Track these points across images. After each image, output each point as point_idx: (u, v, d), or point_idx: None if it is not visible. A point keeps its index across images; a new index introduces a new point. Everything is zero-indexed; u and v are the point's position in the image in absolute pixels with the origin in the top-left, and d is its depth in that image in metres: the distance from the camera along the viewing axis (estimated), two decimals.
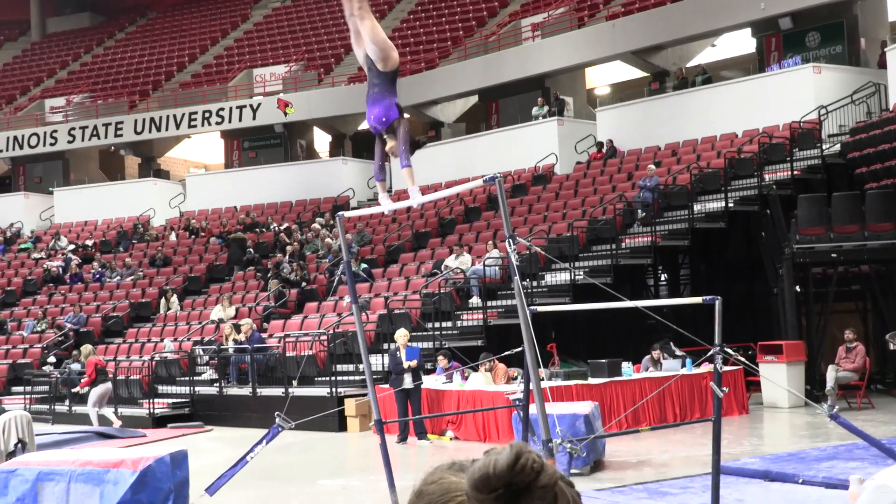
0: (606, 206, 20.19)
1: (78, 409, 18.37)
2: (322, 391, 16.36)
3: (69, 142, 32.93)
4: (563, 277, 18.05)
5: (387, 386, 13.90)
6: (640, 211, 19.84)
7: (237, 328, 18.68)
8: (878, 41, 22.44)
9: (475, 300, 18.11)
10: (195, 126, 31.62)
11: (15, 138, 33.41)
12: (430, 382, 14.57)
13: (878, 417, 13.97)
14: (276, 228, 26.51)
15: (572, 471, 9.73)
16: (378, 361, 15.79)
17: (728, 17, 23.11)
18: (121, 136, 32.40)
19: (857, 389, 15.17)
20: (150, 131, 32.10)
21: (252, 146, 32.20)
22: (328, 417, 14.15)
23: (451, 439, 14.07)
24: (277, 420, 8.41)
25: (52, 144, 33.10)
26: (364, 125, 30.23)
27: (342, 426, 15.51)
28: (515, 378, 13.79)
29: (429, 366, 15.44)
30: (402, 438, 13.74)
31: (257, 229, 27.03)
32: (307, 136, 32.72)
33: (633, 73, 28.01)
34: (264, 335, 19.32)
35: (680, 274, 21.90)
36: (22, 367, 21.77)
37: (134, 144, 33.03)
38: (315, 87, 30.89)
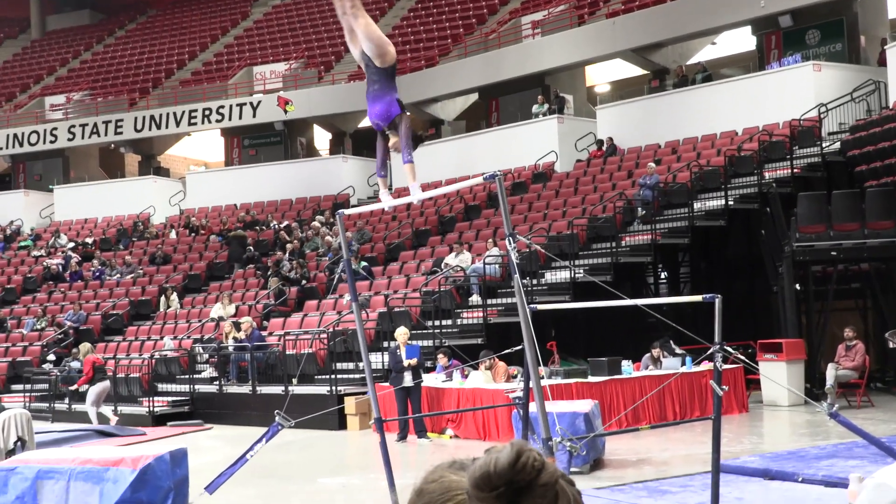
0: (606, 203, 20.18)
1: (77, 407, 18.37)
2: (322, 389, 16.36)
3: (69, 139, 32.93)
4: (563, 275, 18.05)
5: (387, 384, 13.90)
6: (640, 209, 19.84)
7: (237, 326, 18.68)
8: (878, 39, 22.43)
9: (475, 298, 18.11)
10: (195, 124, 31.61)
11: (15, 136, 33.41)
12: (430, 381, 14.57)
13: (877, 416, 13.97)
14: (276, 226, 26.51)
15: (572, 469, 9.73)
16: (378, 360, 15.79)
17: (728, 15, 23.10)
18: (121, 133, 32.39)
19: (856, 388, 15.17)
20: (150, 129, 32.09)
21: (252, 144, 32.19)
22: (328, 416, 14.15)
23: (450, 437, 14.07)
24: (277, 418, 8.40)
25: (52, 142, 33.10)
26: (364, 123, 30.33)
27: (342, 424, 15.50)
28: (515, 376, 13.79)
29: (429, 364, 15.44)
30: (402, 437, 13.74)
31: (257, 227, 27.04)
32: (307, 133, 32.71)
33: (634, 70, 28.00)
34: (264, 333, 19.33)
35: (680, 272, 21.90)
36: (22, 364, 21.78)
37: (134, 142, 33.02)
38: (315, 85, 30.88)
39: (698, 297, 7.33)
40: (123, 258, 26.87)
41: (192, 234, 27.95)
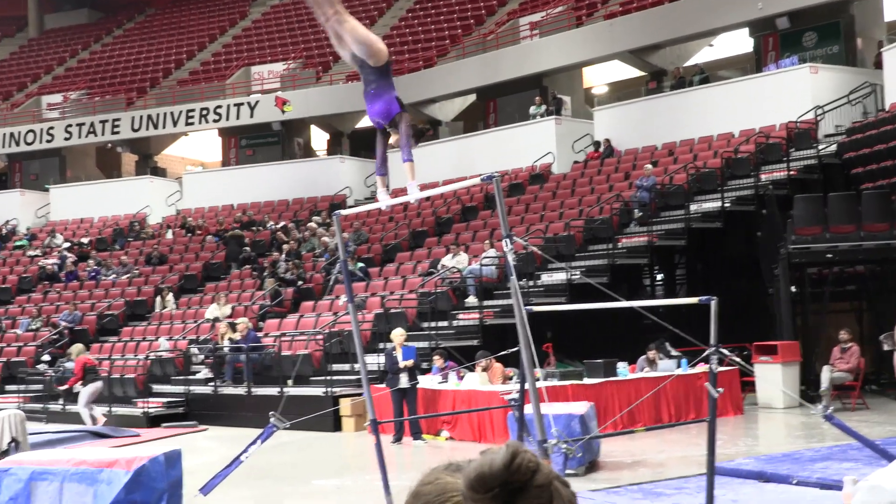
0: (603, 205, 20.19)
1: (72, 407, 18.34)
2: (317, 391, 16.34)
3: (66, 139, 32.90)
4: (559, 277, 18.04)
5: (383, 386, 13.89)
6: (636, 210, 19.84)
7: (233, 327, 18.66)
8: (875, 41, 22.46)
9: (472, 300, 18.10)
10: (192, 124, 31.59)
11: (11, 135, 33.36)
12: (426, 382, 14.56)
13: (872, 418, 13.97)
14: (273, 227, 26.49)
15: (567, 471, 9.72)
16: (374, 361, 15.76)
17: (725, 17, 23.12)
18: (118, 133, 32.36)
19: (851, 390, 15.18)
20: (147, 129, 32.06)
21: (249, 144, 32.17)
22: (323, 417, 14.12)
23: (446, 439, 14.06)
24: (272, 419, 8.39)
25: (48, 141, 33.06)
26: (362, 123, 30.34)
27: (337, 426, 15.49)
28: (512, 378, 13.78)
29: (425, 365, 15.42)
30: (398, 438, 13.73)
31: (254, 227, 27.01)
32: (305, 134, 32.69)
33: (631, 72, 28.01)
34: (260, 334, 19.30)
35: (676, 274, 21.90)
36: (16, 365, 21.73)
37: (131, 142, 32.99)
38: (313, 85, 30.86)
39: (694, 300, 7.33)
40: (119, 258, 26.83)
41: (189, 235, 27.92)
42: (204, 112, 31.17)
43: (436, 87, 27.99)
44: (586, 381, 13.84)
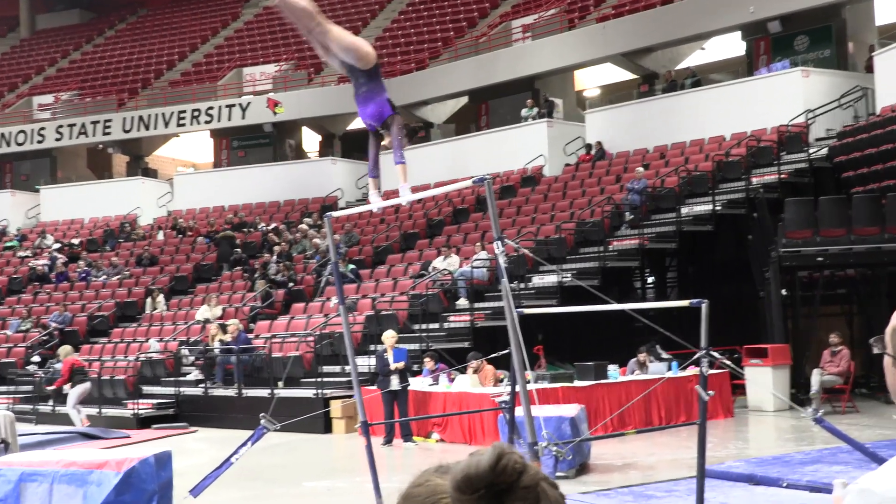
0: (594, 208, 20.21)
1: (62, 409, 18.27)
2: (308, 392, 16.32)
3: (57, 139, 32.80)
4: (550, 279, 18.06)
5: (373, 387, 13.87)
6: (627, 213, 19.87)
7: (223, 328, 18.62)
8: (866, 45, 22.53)
9: (462, 302, 18.10)
10: (184, 125, 31.53)
11: (2, 135, 33.24)
12: (417, 384, 14.55)
13: (862, 421, 14.01)
14: (264, 228, 26.45)
15: (558, 474, 9.72)
16: (365, 363, 15.75)
17: (717, 21, 23.18)
18: (109, 134, 32.27)
19: (841, 393, 15.22)
20: (138, 130, 31.99)
21: (241, 145, 32.12)
22: (314, 419, 14.10)
23: (436, 441, 14.05)
24: (263, 421, 8.38)
25: (39, 142, 32.95)
26: (353, 125, 30.32)
27: (328, 428, 15.47)
28: (502, 380, 13.78)
29: (415, 367, 15.41)
30: (388, 440, 13.71)
31: (245, 229, 26.97)
32: (296, 135, 32.66)
33: (623, 75, 28.06)
34: (251, 336, 19.26)
35: (667, 277, 21.93)
36: (6, 366, 21.65)
37: (122, 143, 32.90)
38: (305, 87, 30.84)
39: (685, 302, 7.34)
40: (110, 259, 26.76)
41: (180, 236, 27.86)
42: (195, 113, 31.11)
43: (428, 89, 27.99)
44: (577, 383, 13.85)
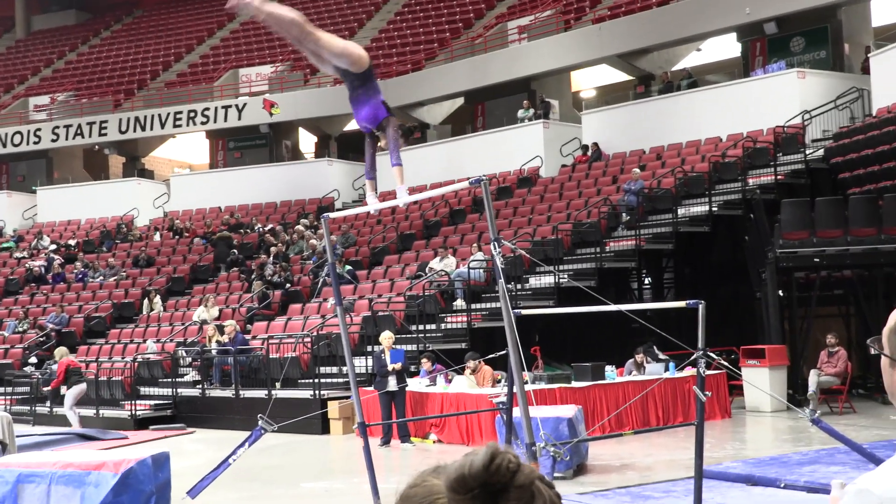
0: (591, 209, 20.22)
1: (59, 410, 18.26)
2: (305, 393, 16.32)
3: (53, 140, 32.77)
4: (547, 280, 18.06)
5: (371, 388, 13.88)
6: (624, 214, 19.88)
7: (220, 329, 18.62)
8: (862, 46, 22.57)
9: (459, 303, 18.11)
10: (180, 126, 31.52)
11: None
12: (414, 385, 14.55)
13: (859, 422, 14.04)
14: (261, 229, 26.45)
15: (555, 474, 9.73)
16: (362, 364, 15.76)
17: (713, 22, 23.21)
18: (105, 135, 32.25)
19: (838, 394, 15.24)
20: (134, 130, 31.97)
21: (237, 146, 32.11)
22: (311, 420, 14.11)
23: (434, 442, 14.06)
24: (260, 422, 8.38)
25: (35, 143, 32.92)
26: (349, 126, 30.32)
27: (325, 429, 15.47)
28: (500, 381, 13.79)
29: (413, 368, 15.42)
30: (386, 441, 13.72)
31: (242, 230, 26.96)
32: (293, 136, 32.66)
33: (619, 76, 28.09)
34: (248, 337, 19.26)
35: (664, 277, 21.96)
36: (3, 367, 21.60)
37: (118, 144, 32.89)
38: (301, 88, 30.84)
39: (682, 303, 7.36)
40: (106, 260, 26.74)
41: (176, 237, 27.85)
42: (192, 114, 31.11)
43: (424, 90, 28.00)
44: (574, 384, 13.85)
